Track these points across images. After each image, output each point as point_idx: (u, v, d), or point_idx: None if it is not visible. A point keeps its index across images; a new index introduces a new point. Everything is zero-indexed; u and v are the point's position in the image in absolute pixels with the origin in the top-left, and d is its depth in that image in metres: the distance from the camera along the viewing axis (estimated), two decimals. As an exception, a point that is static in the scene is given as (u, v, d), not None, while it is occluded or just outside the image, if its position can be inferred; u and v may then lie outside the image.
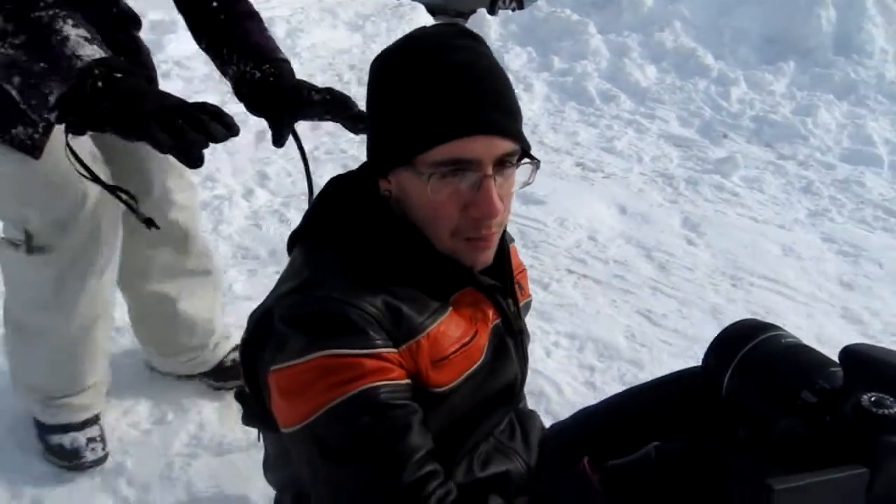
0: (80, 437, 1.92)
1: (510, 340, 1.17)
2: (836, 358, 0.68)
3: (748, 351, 0.79)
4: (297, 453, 1.00)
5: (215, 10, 1.62)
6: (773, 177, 4.31)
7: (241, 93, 1.55)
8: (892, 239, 3.75)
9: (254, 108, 1.53)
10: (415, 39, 1.05)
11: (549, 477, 0.85)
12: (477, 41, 1.05)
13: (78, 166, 1.38)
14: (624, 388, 2.30)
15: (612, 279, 3.07)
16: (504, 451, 1.23)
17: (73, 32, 1.22)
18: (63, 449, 1.91)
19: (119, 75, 1.17)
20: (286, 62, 1.58)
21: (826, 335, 2.83)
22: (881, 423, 0.58)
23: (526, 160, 1.04)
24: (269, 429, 1.13)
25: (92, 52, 1.19)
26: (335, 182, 1.16)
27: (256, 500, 1.84)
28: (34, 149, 1.52)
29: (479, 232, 1.03)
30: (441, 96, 0.97)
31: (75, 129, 1.25)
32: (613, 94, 5.33)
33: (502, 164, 1.00)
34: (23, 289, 1.79)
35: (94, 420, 1.97)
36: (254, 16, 1.66)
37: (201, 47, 1.67)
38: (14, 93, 1.23)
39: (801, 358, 0.76)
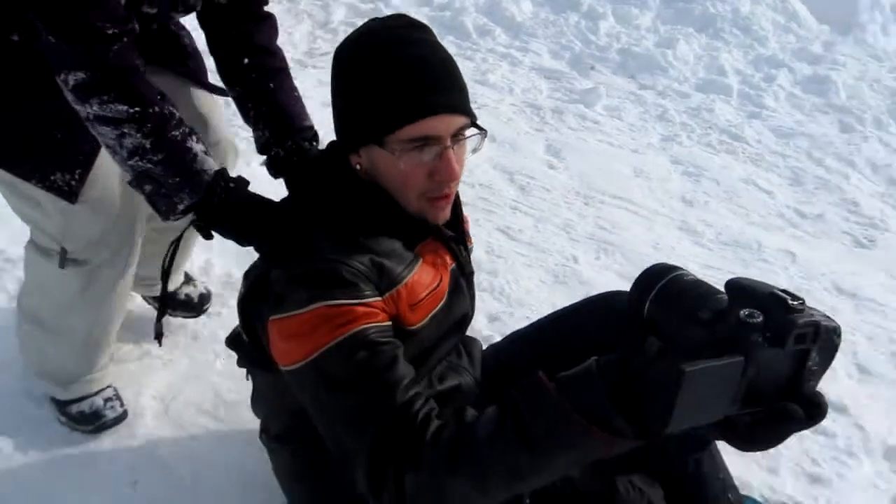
0: (98, 400, 2.01)
1: (463, 281, 1.43)
2: (722, 288, 0.95)
3: (662, 284, 1.03)
4: (299, 386, 1.21)
5: (247, 66, 1.71)
6: (632, 105, 4.62)
7: (266, 159, 1.71)
8: (733, 160, 4.15)
9: (277, 176, 1.68)
10: (373, 34, 1.26)
11: (508, 389, 1.04)
12: (427, 32, 1.27)
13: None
14: (483, 293, 2.59)
15: (478, 201, 3.32)
16: (456, 368, 1.50)
17: (199, 148, 1.42)
18: (84, 415, 2.00)
19: (231, 185, 1.43)
20: (310, 130, 1.72)
21: (664, 244, 3.18)
22: (751, 328, 0.86)
23: (475, 130, 1.28)
24: (260, 369, 1.43)
25: (211, 164, 1.43)
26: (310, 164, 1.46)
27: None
28: (72, 194, 1.59)
29: (442, 192, 1.27)
30: (405, 85, 1.19)
31: (202, 230, 1.45)
32: (489, 29, 5.51)
33: (457, 136, 1.23)
34: (49, 291, 1.84)
35: (107, 386, 2.06)
36: (284, 73, 1.76)
37: (230, 95, 1.78)
38: (143, 197, 1.42)
39: (699, 289, 1.01)
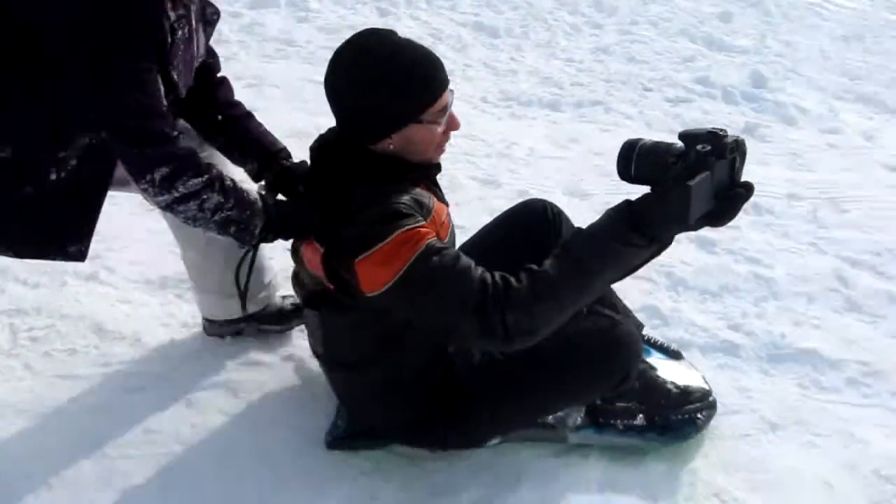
0: (276, 299, 2.54)
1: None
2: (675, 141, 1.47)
3: (638, 151, 1.48)
4: (394, 302, 1.57)
5: (220, 121, 2.15)
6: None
7: (263, 184, 2.09)
8: (288, 65, 4.85)
9: (277, 193, 2.05)
10: (381, 44, 1.68)
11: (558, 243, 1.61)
12: (400, 36, 1.71)
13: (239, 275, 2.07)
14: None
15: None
16: None
17: (241, 182, 1.89)
18: (271, 314, 2.52)
19: (271, 199, 1.94)
20: (285, 150, 2.16)
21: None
22: (706, 154, 1.39)
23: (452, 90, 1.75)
24: (340, 314, 1.82)
25: (253, 188, 1.93)
26: (324, 155, 1.82)
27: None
28: (82, 257, 2.01)
29: (448, 139, 1.80)
30: (426, 75, 1.67)
31: (266, 241, 1.93)
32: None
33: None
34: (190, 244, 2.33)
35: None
36: (250, 116, 2.21)
37: (215, 147, 2.18)
38: (229, 237, 1.87)
39: (659, 145, 1.47)
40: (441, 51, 4.85)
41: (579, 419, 2.09)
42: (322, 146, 1.81)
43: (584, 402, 2.09)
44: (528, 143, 4.25)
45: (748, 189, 1.48)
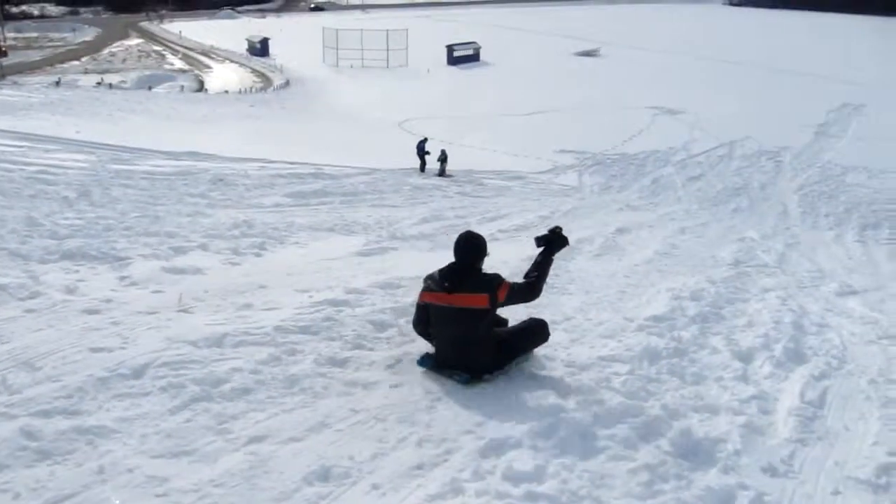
0: None
1: None
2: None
3: (547, 236, 5.84)
4: (507, 301, 5.47)
5: None
6: None
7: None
8: None
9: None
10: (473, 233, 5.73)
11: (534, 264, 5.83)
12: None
13: None
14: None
15: None
16: None
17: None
18: None
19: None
20: None
21: None
22: (552, 234, 5.76)
23: None
24: (485, 323, 5.48)
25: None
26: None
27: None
28: None
29: None
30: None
31: None
32: None
33: None
34: None
35: None
36: None
37: None
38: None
39: (544, 236, 5.82)
40: None
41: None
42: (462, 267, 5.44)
43: (535, 348, 5.98)
44: None
45: (563, 237, 5.85)
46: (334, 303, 6.85)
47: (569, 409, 4.98)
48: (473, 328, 5.30)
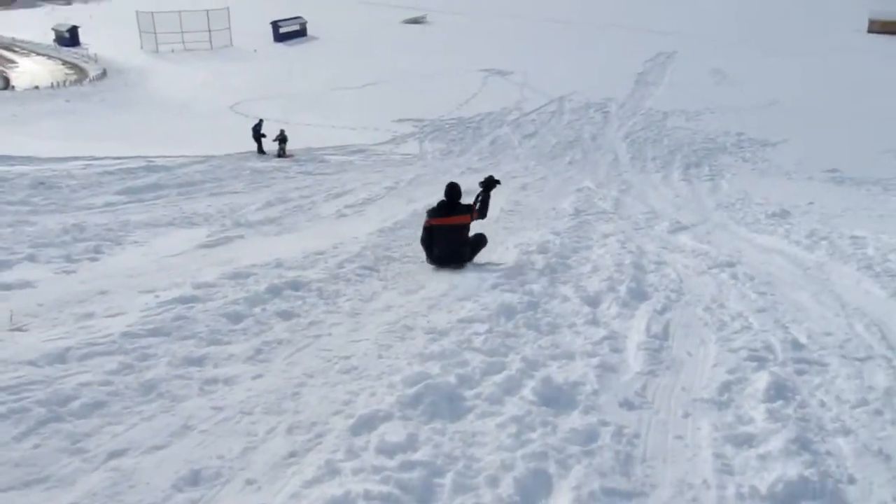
0: None
1: None
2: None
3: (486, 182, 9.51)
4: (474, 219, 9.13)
5: None
6: None
7: None
8: None
9: None
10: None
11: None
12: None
13: None
14: None
15: None
16: None
17: None
18: None
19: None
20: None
21: None
22: (485, 182, 9.40)
23: None
24: (465, 228, 8.94)
25: None
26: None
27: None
28: None
29: None
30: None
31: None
32: None
33: None
34: None
35: None
36: None
37: None
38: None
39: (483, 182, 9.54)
40: None
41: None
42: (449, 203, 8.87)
43: (483, 248, 9.19)
44: None
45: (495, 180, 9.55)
46: (183, 300, 6.56)
47: (434, 374, 5.05)
48: (464, 235, 8.79)
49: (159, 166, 17.12)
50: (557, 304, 7.00)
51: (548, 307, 6.87)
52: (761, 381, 5.17)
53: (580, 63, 39.35)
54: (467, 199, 9.08)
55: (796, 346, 6.05)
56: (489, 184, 9.24)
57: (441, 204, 8.85)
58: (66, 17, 62.25)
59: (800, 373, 5.48)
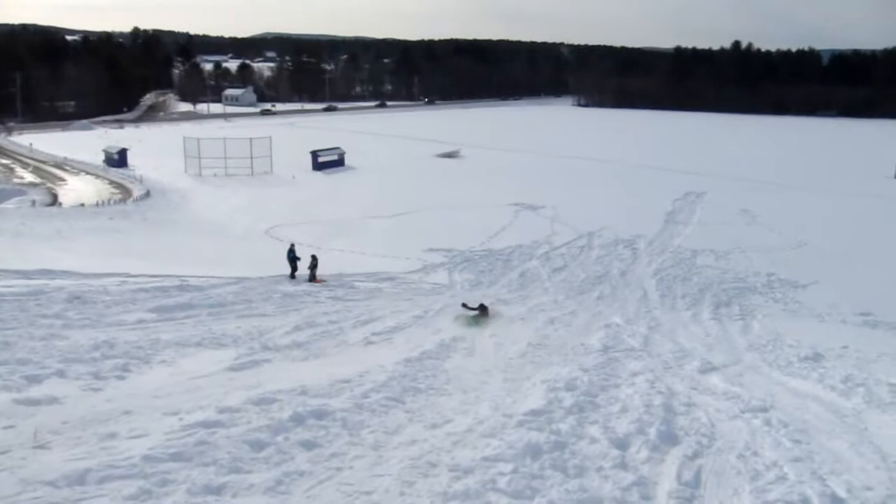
0: None
1: None
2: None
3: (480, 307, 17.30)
4: None
5: None
6: None
7: None
8: None
9: None
10: None
11: None
12: None
13: None
14: None
15: None
16: None
17: None
18: None
19: None
20: None
21: None
22: (480, 307, 14.47)
23: None
24: None
25: None
26: None
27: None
28: None
29: None
30: None
31: None
32: None
33: None
34: None
35: None
36: None
37: None
38: None
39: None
40: None
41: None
42: None
43: None
44: None
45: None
46: (206, 424, 6.52)
47: (457, 516, 4.91)
48: None
49: (192, 286, 17.42)
50: (585, 445, 6.84)
51: (575, 448, 6.70)
52: (799, 537, 4.93)
53: (610, 200, 39.99)
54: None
55: (835, 500, 5.80)
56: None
57: None
58: (117, 139, 65.33)
59: (840, 530, 5.23)
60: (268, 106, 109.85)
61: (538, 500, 5.36)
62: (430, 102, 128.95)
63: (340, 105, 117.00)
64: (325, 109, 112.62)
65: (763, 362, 13.67)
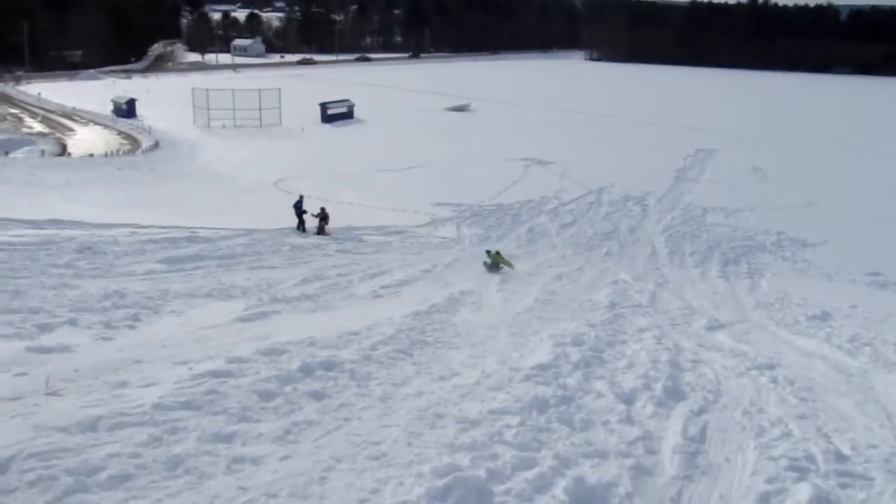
0: None
1: None
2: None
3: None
4: None
5: None
6: None
7: None
8: None
9: None
10: None
11: None
12: None
13: None
14: None
15: None
16: None
17: None
18: None
19: None
20: None
21: None
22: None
23: None
24: None
25: None
26: None
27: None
28: None
29: None
30: None
31: None
32: None
33: None
34: None
35: None
36: None
37: None
38: None
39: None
40: None
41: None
42: None
43: None
44: None
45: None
46: (216, 374, 6.59)
47: (463, 466, 4.97)
48: None
49: (201, 237, 17.46)
50: (591, 399, 6.88)
51: (581, 402, 6.75)
52: (802, 492, 4.99)
53: (620, 156, 39.67)
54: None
55: (839, 457, 5.84)
56: None
57: None
58: (125, 89, 64.88)
59: (843, 486, 5.29)
60: (307, 56, 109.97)
61: (544, 453, 5.41)
62: (415, 56, 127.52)
63: (372, 56, 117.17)
64: (357, 60, 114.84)
65: (770, 320, 13.68)
